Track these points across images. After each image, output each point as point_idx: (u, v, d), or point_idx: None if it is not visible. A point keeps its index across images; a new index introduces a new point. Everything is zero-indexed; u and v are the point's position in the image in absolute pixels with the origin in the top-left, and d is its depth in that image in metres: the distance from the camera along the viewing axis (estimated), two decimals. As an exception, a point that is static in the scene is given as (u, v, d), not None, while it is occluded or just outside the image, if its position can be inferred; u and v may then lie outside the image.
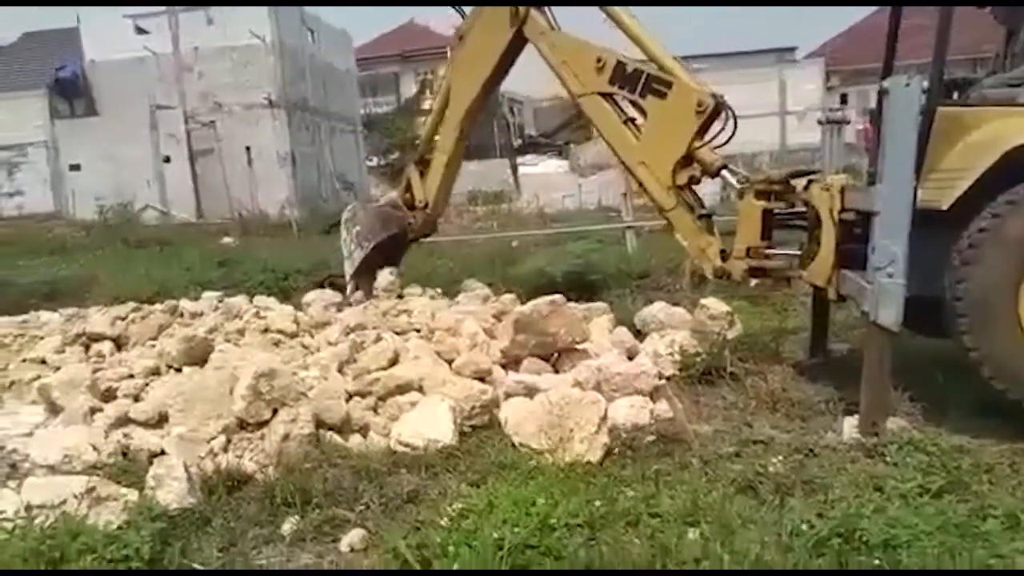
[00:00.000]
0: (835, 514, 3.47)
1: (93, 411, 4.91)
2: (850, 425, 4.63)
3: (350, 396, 5.09)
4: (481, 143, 33.10)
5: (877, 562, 3.11)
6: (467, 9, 7.92)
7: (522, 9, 7.00)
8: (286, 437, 4.46)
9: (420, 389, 5.28)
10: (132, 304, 7.64)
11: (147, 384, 5.32)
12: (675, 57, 6.31)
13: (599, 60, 6.52)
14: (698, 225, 6.25)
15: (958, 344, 4.53)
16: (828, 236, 5.19)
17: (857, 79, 36.21)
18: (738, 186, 6.16)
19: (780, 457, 4.26)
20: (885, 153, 4.47)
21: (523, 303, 6.51)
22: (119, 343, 6.70)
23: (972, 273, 4.40)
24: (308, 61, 29.99)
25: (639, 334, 6.94)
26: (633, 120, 6.61)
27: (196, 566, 3.45)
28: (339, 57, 33.57)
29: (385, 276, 8.33)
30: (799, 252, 5.78)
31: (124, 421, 4.76)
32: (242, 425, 4.58)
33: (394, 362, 5.72)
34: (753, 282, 6.38)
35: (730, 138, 6.10)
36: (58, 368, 5.89)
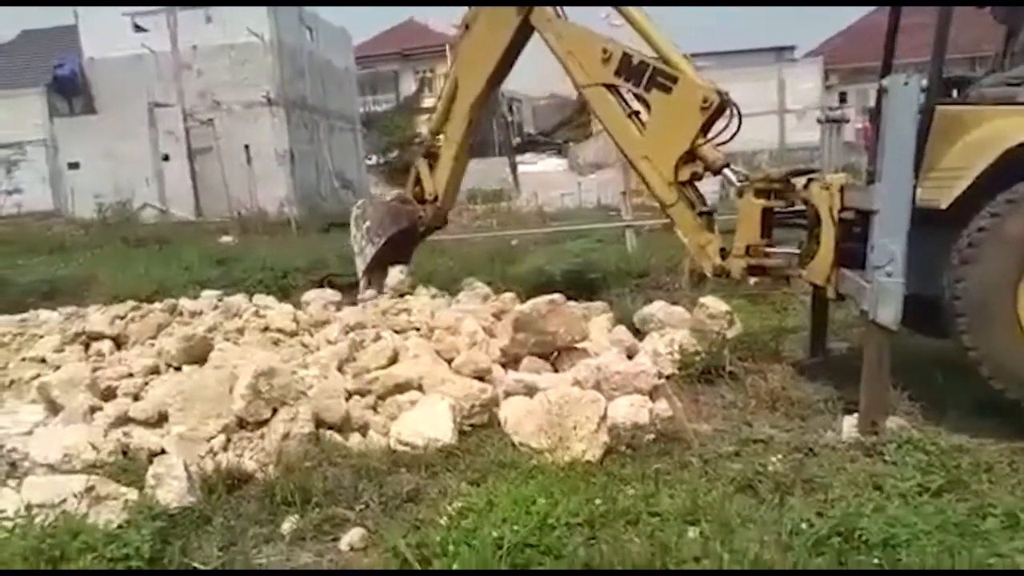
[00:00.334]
0: (834, 513, 3.48)
1: (93, 410, 4.91)
2: (849, 424, 4.63)
3: (350, 395, 5.09)
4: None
5: (876, 561, 3.11)
6: None
7: None
8: (286, 436, 4.46)
9: (420, 388, 5.29)
10: (131, 303, 7.64)
11: (147, 383, 5.33)
12: (684, 54, 6.29)
13: (605, 51, 6.51)
14: (699, 222, 6.26)
15: (957, 343, 4.54)
16: (827, 235, 5.19)
17: (856, 78, 36.24)
18: (738, 184, 6.17)
19: (779, 456, 4.26)
20: (884, 152, 4.47)
21: (523, 302, 6.51)
22: (118, 342, 6.70)
23: (971, 272, 4.40)
24: (307, 59, 29.96)
25: (638, 333, 6.94)
26: (637, 114, 6.60)
27: (196, 565, 3.45)
28: (338, 55, 33.53)
29: (395, 275, 8.32)
30: (798, 251, 5.78)
31: (124, 420, 4.76)
32: (242, 424, 4.58)
33: (394, 361, 5.73)
34: (752, 281, 6.38)
35: (734, 135, 6.09)
36: (58, 367, 5.89)
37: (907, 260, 4.39)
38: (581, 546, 3.28)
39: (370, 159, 41.13)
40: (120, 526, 3.56)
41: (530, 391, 5.10)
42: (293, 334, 6.49)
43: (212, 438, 4.47)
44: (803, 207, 5.73)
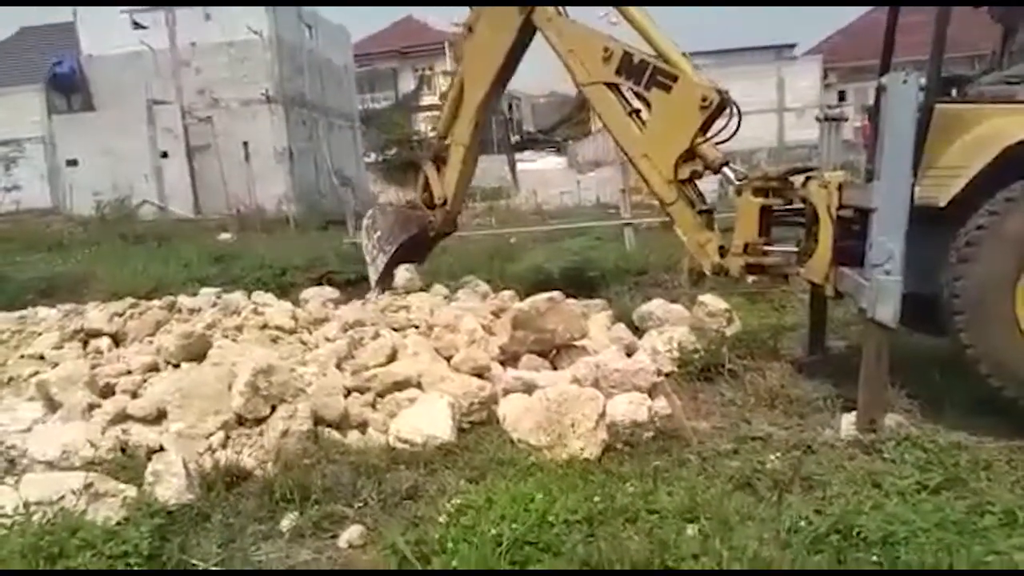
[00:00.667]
0: (833, 510, 3.49)
1: (91, 407, 4.91)
2: (848, 422, 4.64)
3: (348, 392, 5.09)
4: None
5: (875, 559, 3.12)
6: None
7: None
8: (284, 433, 4.46)
9: (418, 385, 5.29)
10: (130, 300, 7.64)
11: (145, 380, 5.33)
12: (683, 53, 6.29)
13: (606, 50, 6.52)
14: (698, 220, 6.27)
15: (955, 341, 4.54)
16: (826, 233, 5.19)
17: (855, 76, 36.22)
18: (736, 183, 6.17)
19: (778, 454, 4.26)
20: (883, 150, 4.47)
21: (522, 300, 6.52)
22: (117, 339, 6.70)
23: (969, 270, 4.40)
24: (306, 57, 29.92)
25: (637, 331, 6.95)
26: (638, 112, 6.62)
27: (195, 562, 3.45)
28: (337, 53, 33.49)
29: (402, 273, 8.30)
30: (797, 249, 5.78)
31: (122, 417, 4.76)
32: (240, 421, 4.58)
33: (392, 358, 5.73)
34: (751, 279, 6.39)
35: (734, 133, 6.10)
36: (56, 364, 5.89)
37: (905, 258, 4.39)
38: (580, 543, 3.28)
39: (369, 157, 41.10)
40: (119, 523, 3.56)
41: (529, 389, 5.11)
42: (292, 331, 6.49)
43: (211, 435, 4.47)
44: (801, 205, 5.73)
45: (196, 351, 5.70)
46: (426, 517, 3.68)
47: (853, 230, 5.00)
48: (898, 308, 4.44)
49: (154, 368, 5.58)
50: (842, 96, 39.31)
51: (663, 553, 3.18)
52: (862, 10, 40.83)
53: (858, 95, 36.49)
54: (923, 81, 4.47)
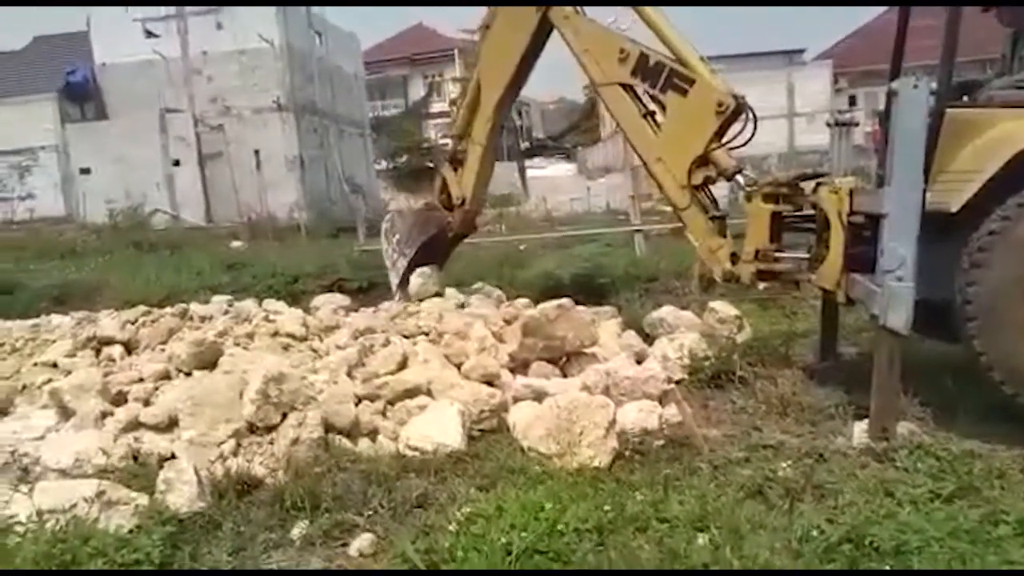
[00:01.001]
0: (845, 519, 3.47)
1: (104, 415, 4.94)
2: (860, 429, 4.61)
3: (359, 400, 5.10)
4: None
5: (888, 568, 3.10)
6: None
7: None
8: (295, 441, 4.47)
9: (429, 393, 5.29)
10: (142, 308, 7.68)
11: (157, 388, 5.35)
12: (701, 56, 6.26)
13: (622, 51, 6.48)
14: (710, 226, 6.23)
15: (968, 348, 4.51)
16: (837, 239, 5.17)
17: (866, 81, 36.11)
18: (746, 189, 6.15)
19: (790, 462, 4.24)
20: (894, 155, 4.45)
21: (535, 307, 6.51)
22: (129, 347, 6.73)
23: (982, 276, 4.37)
24: (316, 64, 30.11)
25: (648, 338, 6.93)
26: (653, 114, 6.57)
27: (206, 570, 3.46)
28: (347, 60, 33.68)
29: (414, 279, 8.29)
30: (808, 255, 5.76)
31: (134, 425, 4.79)
32: (252, 429, 4.59)
33: (403, 366, 5.74)
34: (762, 285, 6.36)
35: (750, 139, 6.07)
36: (69, 372, 5.92)
37: (917, 264, 4.36)
38: (590, 552, 3.28)
39: (379, 164, 41.27)
40: (130, 531, 3.58)
41: (539, 396, 5.10)
42: (303, 339, 6.50)
43: (222, 443, 4.48)
44: (812, 211, 5.70)
45: (208, 359, 5.73)
46: (436, 525, 3.68)
47: (864, 236, 4.98)
48: (910, 314, 4.41)
49: (166, 376, 5.61)
50: (853, 101, 39.23)
51: (673, 562, 3.18)
52: (873, 14, 40.74)
53: (869, 100, 36.40)
54: (934, 86, 4.45)
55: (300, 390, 4.72)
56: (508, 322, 6.93)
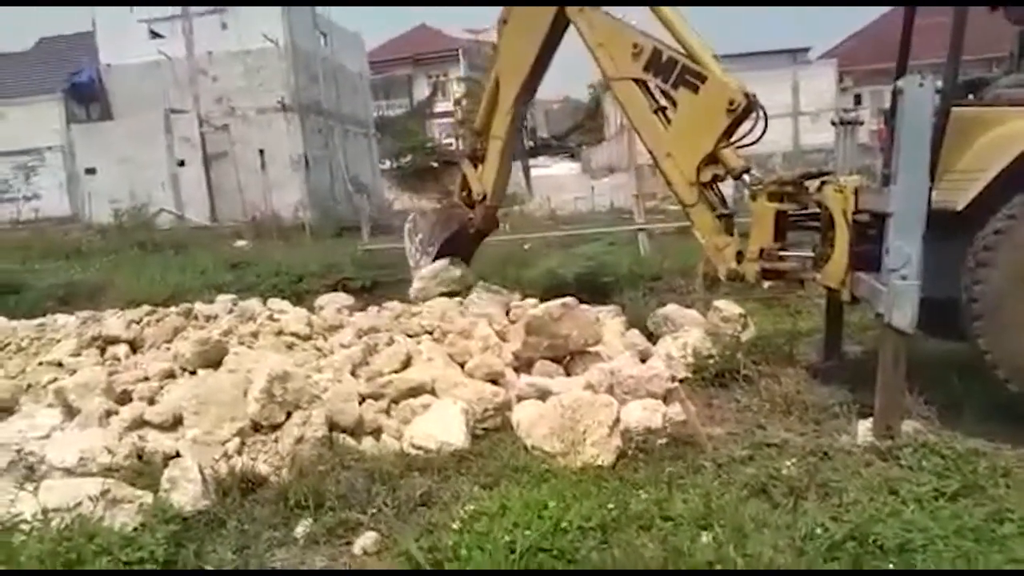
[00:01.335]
0: (849, 517, 3.46)
1: (109, 414, 4.95)
2: (864, 428, 4.60)
3: (363, 399, 5.10)
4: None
5: (892, 566, 3.09)
6: None
7: None
8: (300, 439, 4.48)
9: (432, 392, 5.30)
10: (147, 307, 7.69)
11: (162, 387, 5.36)
12: (714, 55, 6.24)
13: (636, 45, 6.48)
14: (717, 224, 6.22)
15: (973, 346, 4.50)
16: (842, 238, 5.16)
17: (871, 79, 36.04)
18: (751, 188, 6.14)
19: (794, 460, 4.24)
20: (899, 153, 4.44)
21: (537, 306, 6.50)
22: (134, 346, 6.75)
23: (988, 275, 4.36)
24: (321, 64, 30.14)
25: (652, 336, 6.93)
26: (664, 110, 6.56)
27: (210, 568, 3.47)
28: (352, 60, 33.71)
29: (420, 284, 8.20)
30: (813, 254, 5.74)
31: (139, 424, 4.80)
32: (256, 427, 4.60)
33: (407, 365, 5.74)
34: (766, 284, 6.35)
35: (760, 138, 6.05)
36: (74, 371, 5.94)
37: (923, 263, 4.35)
38: (594, 550, 3.27)
39: (384, 163, 41.30)
40: (135, 529, 3.59)
41: (543, 395, 5.10)
42: (307, 338, 6.51)
43: (226, 441, 4.49)
44: (817, 210, 5.69)
45: (212, 358, 5.74)
46: (440, 524, 3.68)
47: (869, 235, 4.97)
48: (915, 313, 4.40)
49: (171, 375, 5.62)
50: (858, 100, 39.14)
51: (677, 560, 3.17)
52: (878, 13, 40.64)
53: (874, 98, 36.35)
54: (939, 84, 4.44)
55: (304, 389, 4.73)
56: (512, 321, 6.93)
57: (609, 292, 9.19)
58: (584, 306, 6.67)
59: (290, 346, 6.33)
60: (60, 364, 6.34)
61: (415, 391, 5.25)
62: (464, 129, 48.87)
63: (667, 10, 6.40)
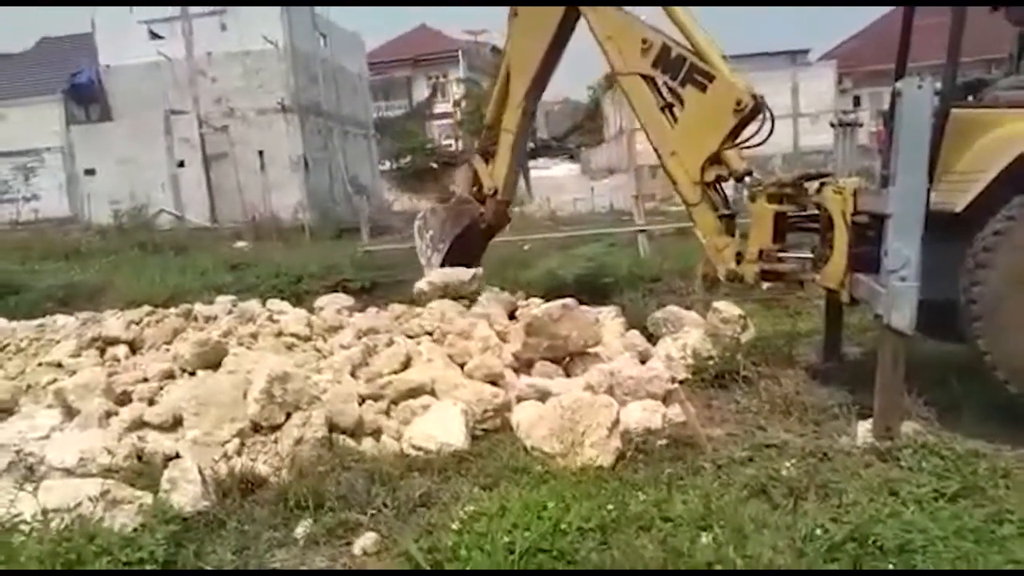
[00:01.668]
0: (849, 518, 3.46)
1: (108, 414, 4.95)
2: (864, 429, 4.60)
3: (363, 399, 5.10)
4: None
5: (891, 567, 3.09)
6: None
7: None
8: (299, 440, 4.48)
9: (432, 392, 5.30)
10: (147, 308, 7.68)
11: (162, 388, 5.36)
12: (723, 55, 6.23)
13: (645, 41, 6.44)
14: (719, 225, 6.22)
15: (973, 347, 4.50)
16: (841, 239, 5.16)
17: (870, 81, 36.06)
18: (751, 189, 6.14)
19: (793, 461, 4.23)
20: (898, 155, 4.44)
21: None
22: (134, 347, 6.74)
23: (987, 276, 4.37)
24: (320, 65, 30.16)
25: (651, 337, 6.93)
26: (671, 107, 6.53)
27: (210, 569, 3.47)
28: (351, 61, 33.74)
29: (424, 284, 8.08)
30: (812, 255, 5.75)
31: (139, 424, 4.80)
32: (256, 428, 4.60)
33: (406, 365, 5.74)
34: (765, 285, 6.35)
35: (767, 139, 6.04)
36: (74, 372, 5.93)
37: (921, 264, 4.35)
38: (593, 551, 3.28)
39: (383, 164, 41.32)
40: (135, 530, 3.59)
41: (542, 396, 5.10)
42: (307, 339, 6.51)
43: (226, 442, 4.50)
44: (816, 211, 5.70)
45: (212, 359, 5.74)
46: (439, 524, 3.69)
47: (868, 236, 4.97)
48: (914, 314, 4.40)
49: (170, 376, 5.62)
50: (857, 101, 39.16)
51: (677, 561, 3.18)
52: (877, 14, 40.67)
53: (873, 100, 36.36)
54: (938, 86, 4.45)
55: (304, 390, 4.73)
56: (514, 319, 6.93)
57: (609, 293, 9.19)
58: (584, 307, 6.67)
59: (290, 347, 6.33)
60: (60, 365, 6.34)
61: (415, 392, 5.25)
62: (463, 130, 48.97)
63: (679, 10, 6.38)
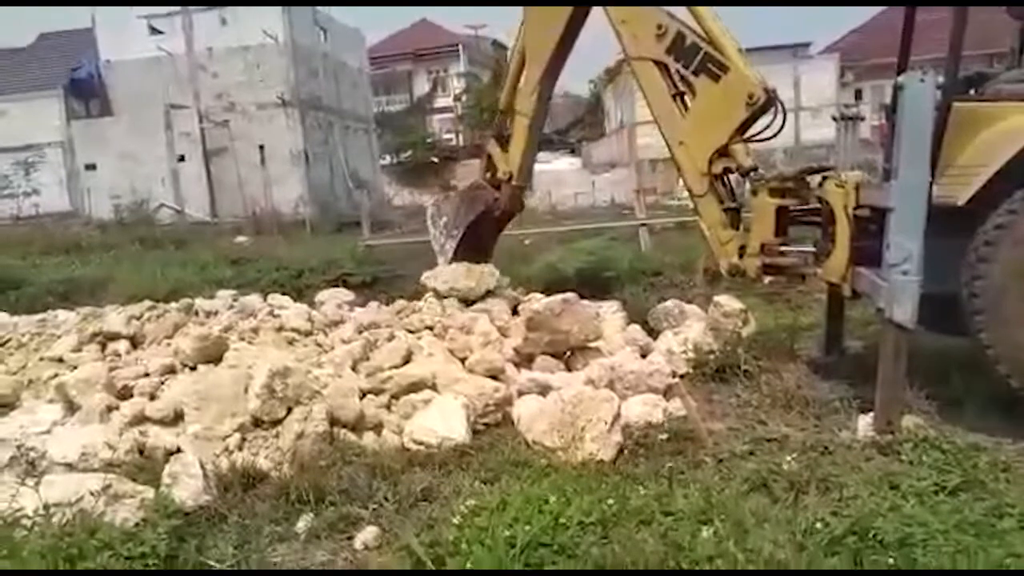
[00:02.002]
0: (850, 512, 3.46)
1: (110, 409, 4.96)
2: (865, 423, 4.60)
3: (364, 394, 5.11)
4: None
5: (892, 561, 3.09)
6: None
7: None
8: (300, 435, 4.49)
9: (433, 387, 5.30)
10: (148, 303, 7.68)
11: (163, 382, 5.37)
12: (739, 48, 6.18)
13: (660, 26, 6.33)
14: (723, 218, 6.19)
15: (975, 341, 4.50)
16: (843, 233, 5.15)
17: (872, 74, 35.99)
18: (753, 183, 6.12)
19: (794, 455, 4.23)
20: (901, 149, 4.43)
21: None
22: (135, 342, 6.75)
23: (989, 270, 4.36)
24: (321, 60, 30.11)
25: (652, 332, 6.92)
26: (682, 95, 6.44)
27: (211, 563, 3.48)
28: (352, 56, 33.68)
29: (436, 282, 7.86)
30: (814, 249, 5.74)
31: (140, 419, 4.81)
32: (257, 423, 4.61)
33: (407, 360, 5.75)
34: (767, 279, 6.33)
35: (778, 132, 6.00)
36: (75, 367, 5.94)
37: (923, 258, 4.35)
38: (594, 545, 3.28)
39: (384, 159, 41.28)
40: (136, 524, 3.59)
41: (543, 390, 5.11)
42: (308, 334, 6.52)
43: (227, 437, 4.50)
44: (818, 205, 5.68)
45: (213, 353, 5.74)
46: (441, 518, 3.69)
47: (870, 230, 4.96)
48: (916, 308, 4.40)
49: (171, 370, 5.62)
50: (859, 95, 39.07)
51: (678, 555, 3.18)
52: (880, 8, 40.55)
53: (875, 93, 36.29)
54: (941, 79, 4.43)
55: (305, 384, 4.74)
56: (515, 313, 6.92)
57: (610, 288, 9.18)
58: (585, 301, 6.66)
59: (291, 342, 6.34)
60: (61, 360, 6.35)
61: (416, 386, 5.25)
62: (464, 124, 48.87)
63: (703, 10, 6.27)
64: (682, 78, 6.33)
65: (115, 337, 6.70)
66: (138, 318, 7.05)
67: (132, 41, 28.00)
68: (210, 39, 27.84)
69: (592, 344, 6.12)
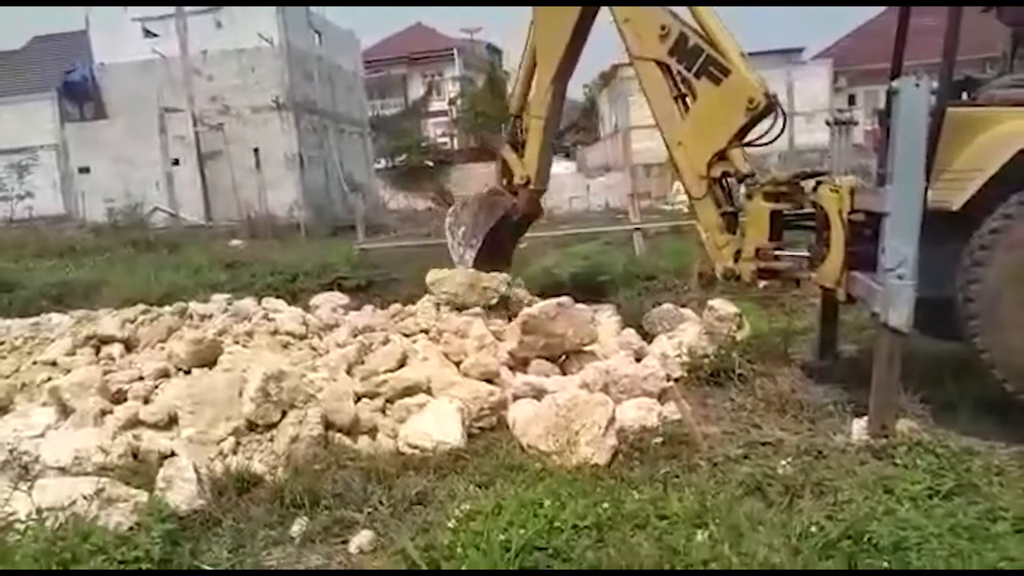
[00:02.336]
0: (844, 516, 3.47)
1: (103, 413, 4.94)
2: (859, 427, 4.61)
3: (358, 398, 5.10)
4: (488, 145, 33.24)
5: (886, 564, 3.10)
6: None
7: None
8: (295, 439, 4.48)
9: (428, 391, 5.29)
10: (141, 306, 7.67)
11: (157, 386, 5.35)
12: (742, 53, 6.17)
13: (663, 27, 6.34)
14: (720, 221, 6.20)
15: (969, 345, 4.51)
16: (837, 237, 5.16)
17: (866, 79, 36.10)
18: (748, 188, 6.14)
19: (789, 459, 4.24)
20: (895, 154, 4.44)
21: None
22: (129, 345, 6.73)
23: (983, 274, 4.37)
24: (316, 63, 30.09)
25: (647, 336, 6.93)
26: (683, 97, 6.45)
27: (206, 567, 3.47)
28: (347, 59, 33.67)
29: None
30: (808, 253, 5.75)
31: (134, 423, 4.79)
32: (251, 427, 4.59)
33: (402, 364, 5.73)
34: (762, 283, 6.34)
35: (778, 137, 6.01)
36: (69, 370, 5.92)
37: (918, 262, 4.36)
38: (589, 549, 3.27)
39: (378, 163, 41.24)
40: (130, 528, 3.58)
41: (538, 394, 5.11)
42: (302, 337, 6.50)
43: (222, 441, 4.49)
44: (812, 210, 5.70)
45: (207, 357, 5.73)
46: (435, 522, 3.68)
47: (865, 234, 4.97)
48: (911, 312, 4.41)
49: (166, 374, 5.61)
50: (852, 100, 39.21)
51: (672, 559, 3.18)
52: (873, 13, 40.74)
53: (868, 98, 36.40)
54: (935, 84, 4.45)
55: (300, 388, 4.73)
56: (510, 319, 6.92)
57: (605, 291, 9.19)
58: (580, 305, 6.67)
59: (285, 345, 6.33)
60: (54, 363, 6.33)
61: (411, 390, 5.24)
62: (459, 128, 48.86)
63: (704, 11, 6.30)
64: (684, 80, 6.34)
65: (109, 341, 6.68)
66: (132, 322, 7.03)
67: (126, 44, 27.93)
68: (204, 42, 27.80)
69: (587, 348, 6.12)
